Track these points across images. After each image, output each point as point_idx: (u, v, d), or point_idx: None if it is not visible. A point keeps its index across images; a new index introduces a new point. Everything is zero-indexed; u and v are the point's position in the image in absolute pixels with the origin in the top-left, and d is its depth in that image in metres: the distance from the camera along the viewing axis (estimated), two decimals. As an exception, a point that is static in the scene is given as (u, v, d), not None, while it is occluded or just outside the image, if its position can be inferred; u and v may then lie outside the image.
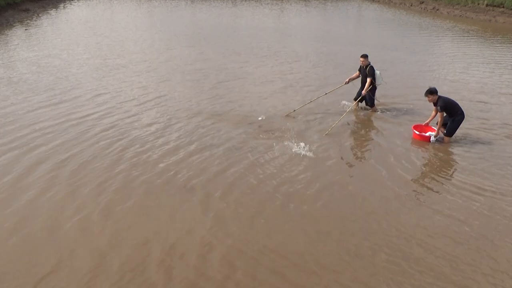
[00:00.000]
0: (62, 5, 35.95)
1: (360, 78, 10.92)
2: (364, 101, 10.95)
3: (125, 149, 8.52)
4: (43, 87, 12.76)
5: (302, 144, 8.79)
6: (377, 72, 10.50)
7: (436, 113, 9.08)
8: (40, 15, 28.71)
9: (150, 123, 10.09)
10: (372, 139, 9.50)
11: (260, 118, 10.45)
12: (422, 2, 40.71)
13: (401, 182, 7.42)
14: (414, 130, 9.22)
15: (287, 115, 10.13)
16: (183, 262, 5.23)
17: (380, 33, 26.53)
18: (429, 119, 9.36)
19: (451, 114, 8.86)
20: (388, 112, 11.15)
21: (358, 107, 11.17)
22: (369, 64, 10.46)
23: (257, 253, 5.45)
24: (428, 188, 7.34)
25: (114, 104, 11.47)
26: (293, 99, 12.27)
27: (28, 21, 25.76)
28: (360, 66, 10.80)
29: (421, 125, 9.41)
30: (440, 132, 9.14)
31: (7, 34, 21.22)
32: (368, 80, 10.35)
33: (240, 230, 5.91)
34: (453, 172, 8.01)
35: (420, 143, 9.16)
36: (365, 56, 10.49)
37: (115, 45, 20.00)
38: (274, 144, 8.95)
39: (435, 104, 9.01)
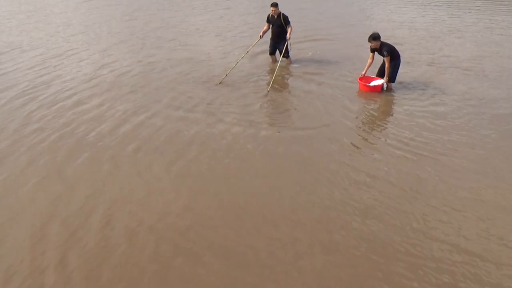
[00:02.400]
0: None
1: (271, 30, 9.76)
2: (279, 51, 9.80)
3: (36, 109, 7.63)
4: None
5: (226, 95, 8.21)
6: None
7: (372, 61, 8.34)
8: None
9: (70, 78, 9.15)
10: (308, 92, 8.50)
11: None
12: None
13: (337, 142, 6.49)
14: (362, 82, 8.33)
15: (220, 82, 8.83)
16: (81, 241, 4.47)
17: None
18: (366, 68, 8.39)
19: (391, 59, 8.19)
20: (321, 60, 10.45)
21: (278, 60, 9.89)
22: (281, 12, 9.41)
23: (163, 216, 4.89)
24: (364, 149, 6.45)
25: (31, 60, 10.36)
26: (226, 47, 11.54)
27: None
28: (269, 16, 9.63)
29: (366, 76, 8.45)
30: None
31: None
32: (289, 28, 9.40)
33: (150, 192, 5.31)
34: (395, 129, 6.92)
35: (365, 95, 8.21)
36: (275, 5, 9.36)
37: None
38: (201, 95, 8.30)
39: (377, 51, 8.19)
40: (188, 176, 5.61)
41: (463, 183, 5.43)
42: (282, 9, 9.61)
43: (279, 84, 8.88)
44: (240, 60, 9.57)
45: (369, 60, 8.38)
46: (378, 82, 8.25)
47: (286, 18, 9.43)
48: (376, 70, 8.57)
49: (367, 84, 8.30)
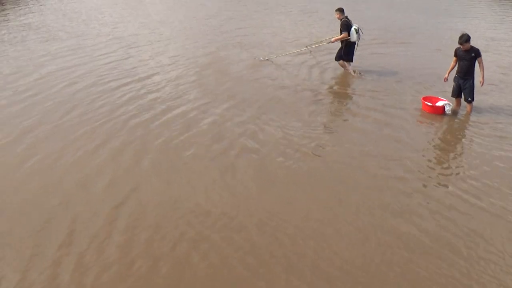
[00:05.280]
0: None
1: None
2: (342, 57, 9.29)
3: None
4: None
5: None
6: (354, 27, 8.88)
7: (455, 64, 7.53)
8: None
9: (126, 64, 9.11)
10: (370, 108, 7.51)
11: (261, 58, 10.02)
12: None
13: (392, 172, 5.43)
14: (425, 102, 7.51)
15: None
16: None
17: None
18: (448, 71, 7.71)
19: (469, 72, 7.25)
20: (389, 74, 9.41)
21: (348, 67, 9.39)
22: (343, 18, 8.94)
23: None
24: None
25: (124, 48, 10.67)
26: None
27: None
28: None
29: (431, 96, 7.72)
30: (450, 103, 7.44)
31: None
32: (342, 34, 8.87)
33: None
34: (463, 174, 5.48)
35: (429, 117, 7.22)
36: (337, 10, 9.01)
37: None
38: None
39: (460, 55, 7.34)
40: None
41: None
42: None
43: (341, 101, 8.02)
44: (292, 52, 9.96)
45: (452, 64, 7.67)
46: (441, 103, 7.52)
47: (343, 24, 8.91)
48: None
49: (427, 103, 7.51)
